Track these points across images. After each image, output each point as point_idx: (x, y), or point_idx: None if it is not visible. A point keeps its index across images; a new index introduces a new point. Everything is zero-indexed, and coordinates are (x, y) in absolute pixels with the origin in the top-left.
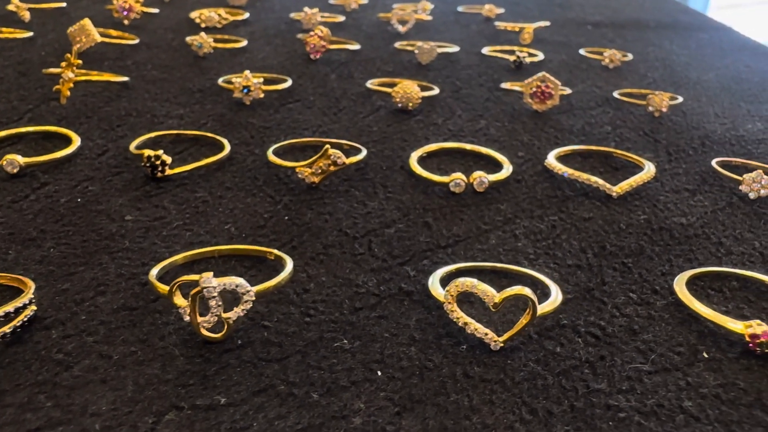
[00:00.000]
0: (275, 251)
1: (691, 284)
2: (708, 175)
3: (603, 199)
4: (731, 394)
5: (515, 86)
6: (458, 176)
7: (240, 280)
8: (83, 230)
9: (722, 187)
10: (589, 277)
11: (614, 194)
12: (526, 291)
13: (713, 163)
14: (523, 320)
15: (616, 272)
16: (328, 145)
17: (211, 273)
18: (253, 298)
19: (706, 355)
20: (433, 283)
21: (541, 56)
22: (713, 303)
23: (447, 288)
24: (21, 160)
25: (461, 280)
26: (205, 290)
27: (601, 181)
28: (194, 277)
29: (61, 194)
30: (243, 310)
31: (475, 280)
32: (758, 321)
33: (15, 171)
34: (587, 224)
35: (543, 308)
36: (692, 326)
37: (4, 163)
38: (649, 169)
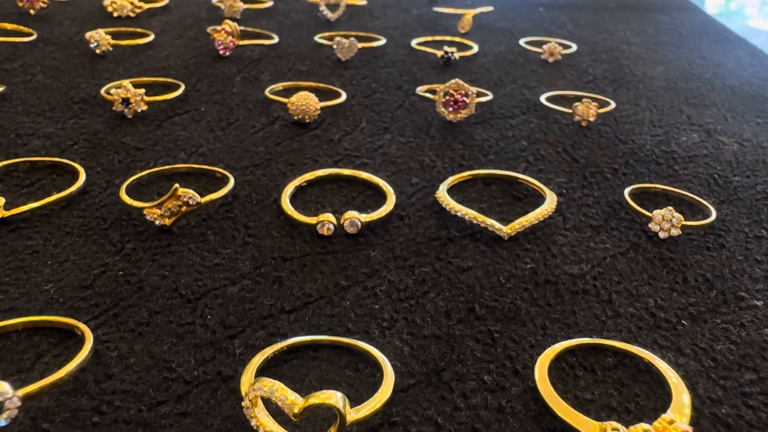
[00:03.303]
0: (81, 325)
1: (561, 361)
2: (619, 207)
3: (491, 242)
4: None
5: (428, 94)
6: (326, 217)
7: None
8: None
9: (631, 222)
10: (443, 353)
11: (504, 235)
12: (333, 400)
13: (626, 193)
14: (331, 430)
15: (478, 344)
16: (176, 185)
17: None
18: (18, 405)
19: None
20: (248, 370)
21: (474, 49)
22: (579, 388)
23: (245, 390)
24: None
25: (259, 383)
26: None
27: (489, 221)
28: None
29: None
30: (8, 418)
31: (274, 385)
32: (613, 424)
33: None
34: (463, 277)
35: (365, 406)
36: (544, 424)
37: None
38: (549, 203)
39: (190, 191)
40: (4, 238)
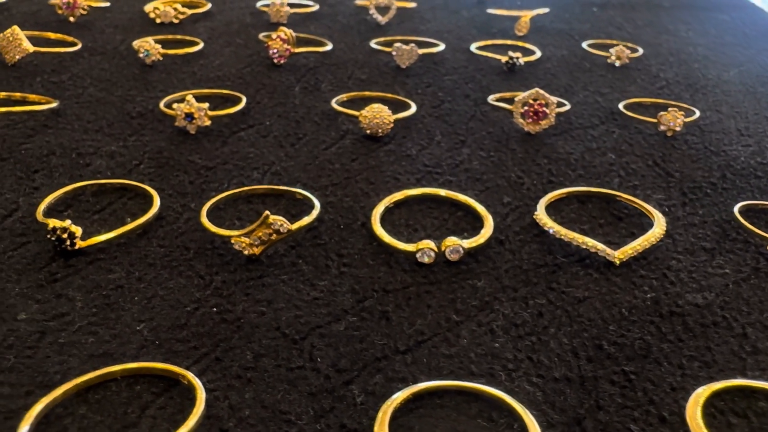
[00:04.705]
0: (188, 374)
1: (709, 406)
2: (729, 226)
3: (602, 268)
4: None
5: (504, 104)
6: (426, 245)
7: None
8: None
9: (746, 243)
10: (580, 398)
11: (615, 261)
12: None
13: (735, 210)
14: None
15: (615, 387)
16: (267, 212)
17: None
18: None
19: None
20: (380, 424)
21: (537, 53)
22: None
23: None
24: None
25: None
26: None
27: (599, 246)
28: None
29: None
30: None
31: None
32: None
33: None
34: (581, 309)
35: None
36: None
37: None
38: (659, 226)
39: (281, 218)
40: (83, 271)
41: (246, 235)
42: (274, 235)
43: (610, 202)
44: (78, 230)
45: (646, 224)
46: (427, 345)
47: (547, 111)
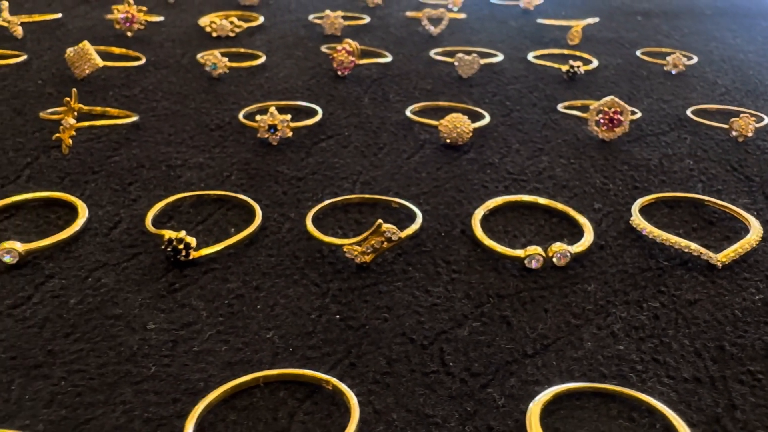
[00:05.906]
0: (333, 380)
1: None
2: None
3: (705, 271)
4: None
5: (576, 112)
6: (535, 251)
7: None
8: (100, 348)
9: None
10: (714, 398)
11: (718, 264)
12: None
13: None
14: None
15: (745, 387)
16: (380, 221)
17: None
18: None
19: None
20: (532, 424)
21: (595, 62)
22: None
23: None
24: (20, 247)
25: None
26: None
27: (702, 249)
28: None
29: (70, 291)
30: None
31: None
32: None
33: (14, 261)
34: (695, 311)
35: None
36: None
37: (0, 252)
38: (756, 229)
39: (392, 226)
40: (200, 281)
41: (358, 243)
42: (386, 243)
43: (698, 207)
44: (193, 241)
45: (739, 228)
46: (553, 348)
47: (622, 118)
